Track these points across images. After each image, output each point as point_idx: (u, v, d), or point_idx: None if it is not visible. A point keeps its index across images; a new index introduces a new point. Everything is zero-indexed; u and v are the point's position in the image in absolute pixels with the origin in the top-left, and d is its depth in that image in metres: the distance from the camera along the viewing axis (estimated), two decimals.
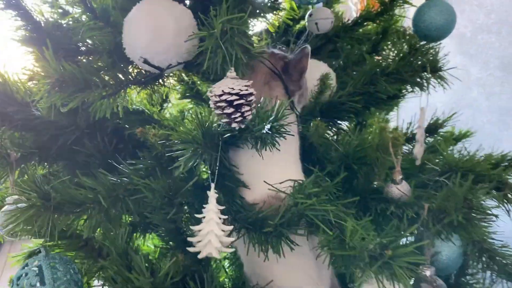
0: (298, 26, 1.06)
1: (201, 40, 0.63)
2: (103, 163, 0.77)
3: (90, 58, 0.73)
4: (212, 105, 0.59)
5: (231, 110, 0.58)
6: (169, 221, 0.67)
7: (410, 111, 1.01)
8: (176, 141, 0.59)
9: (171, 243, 0.74)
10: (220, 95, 0.58)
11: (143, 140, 0.81)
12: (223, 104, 0.58)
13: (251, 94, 0.59)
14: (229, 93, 0.58)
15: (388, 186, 0.76)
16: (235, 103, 0.58)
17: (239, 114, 0.58)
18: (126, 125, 0.81)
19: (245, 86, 0.59)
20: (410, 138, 1.07)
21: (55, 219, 0.59)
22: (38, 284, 0.59)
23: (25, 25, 0.77)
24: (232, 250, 0.64)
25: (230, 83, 0.59)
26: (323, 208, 0.58)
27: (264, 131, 0.59)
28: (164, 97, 1.07)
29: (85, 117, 0.78)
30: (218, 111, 0.59)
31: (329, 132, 0.97)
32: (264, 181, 0.68)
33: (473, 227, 0.73)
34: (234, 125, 0.59)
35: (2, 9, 0.76)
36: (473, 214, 0.61)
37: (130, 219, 0.77)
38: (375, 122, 1.09)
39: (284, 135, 0.62)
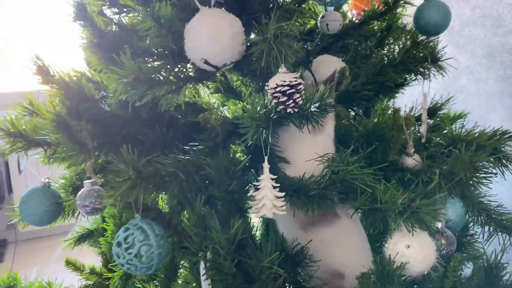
0: (308, 26, 1.21)
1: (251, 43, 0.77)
2: (162, 150, 0.91)
3: (155, 60, 0.87)
4: (269, 96, 0.74)
5: (285, 98, 0.73)
6: (229, 193, 0.81)
7: (408, 98, 1.17)
8: (244, 120, 0.73)
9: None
10: (275, 88, 0.73)
11: (192, 129, 0.96)
12: (278, 94, 0.73)
13: (299, 84, 0.73)
14: (282, 85, 0.73)
15: (403, 158, 0.92)
16: (288, 92, 0.73)
17: (291, 101, 0.73)
18: (179, 116, 0.95)
19: (294, 78, 0.74)
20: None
21: (144, 191, 0.73)
22: (144, 239, 0.74)
23: (92, 33, 0.91)
24: (284, 212, 0.79)
25: (282, 77, 0.74)
26: (361, 172, 0.73)
27: (312, 110, 0.74)
28: (196, 93, 1.21)
29: (146, 111, 0.91)
30: (275, 100, 0.73)
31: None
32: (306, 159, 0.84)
33: (476, 188, 0.90)
34: (289, 110, 0.73)
35: (73, 20, 0.90)
36: (477, 174, 0.76)
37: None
38: (379, 108, 1.25)
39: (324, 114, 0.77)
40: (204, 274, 0.77)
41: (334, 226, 0.88)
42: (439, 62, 1.09)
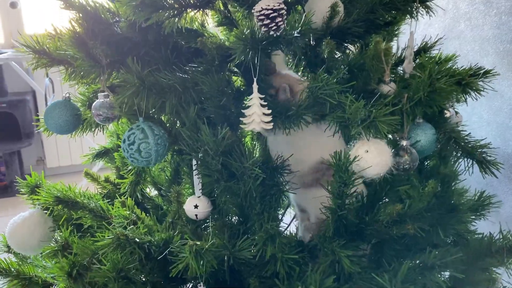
0: None
1: None
2: (165, 69, 1.04)
3: None
4: (255, 19, 0.85)
5: (268, 21, 0.84)
6: (221, 107, 0.94)
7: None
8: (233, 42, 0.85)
9: None
10: (260, 11, 0.84)
11: (194, 54, 1.07)
12: (262, 17, 0.84)
13: (282, 9, 0.84)
14: (266, 9, 0.84)
15: (380, 85, 1.02)
16: (271, 15, 0.84)
17: (274, 24, 0.84)
18: (182, 42, 1.07)
19: (278, 3, 0.84)
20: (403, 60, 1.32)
21: (146, 98, 0.86)
22: (143, 138, 0.88)
23: None
24: (270, 126, 0.92)
25: (267, 2, 0.84)
26: (332, 88, 0.84)
27: (295, 35, 0.85)
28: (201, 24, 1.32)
29: (153, 34, 1.03)
30: (259, 23, 0.84)
31: (337, 52, 1.22)
32: None
33: (442, 119, 1.00)
34: (271, 32, 0.84)
35: None
36: (436, 95, 0.87)
37: None
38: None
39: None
40: (195, 170, 0.91)
41: None
42: (427, 3, 1.16)
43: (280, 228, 0.89)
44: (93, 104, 1.03)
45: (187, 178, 1.11)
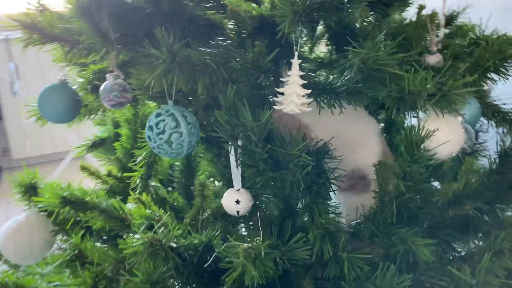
0: None
1: None
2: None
3: None
4: None
5: None
6: (258, 87, 0.81)
7: None
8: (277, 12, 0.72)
9: None
10: None
11: (211, 30, 0.94)
12: None
13: None
14: None
15: (425, 56, 0.92)
16: None
17: None
18: (199, 13, 0.93)
19: None
20: None
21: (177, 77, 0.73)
22: (175, 127, 0.74)
23: None
24: (310, 109, 0.80)
25: None
26: (392, 58, 0.73)
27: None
28: None
29: (167, 3, 0.89)
30: None
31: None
32: None
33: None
34: None
35: None
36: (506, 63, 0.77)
37: None
38: None
39: None
40: (236, 161, 0.78)
41: None
42: None
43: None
44: (102, 87, 0.88)
45: (207, 167, 0.99)
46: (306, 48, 1.15)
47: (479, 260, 0.75)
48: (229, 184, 0.89)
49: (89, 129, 1.33)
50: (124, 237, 0.89)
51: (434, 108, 0.72)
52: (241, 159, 0.77)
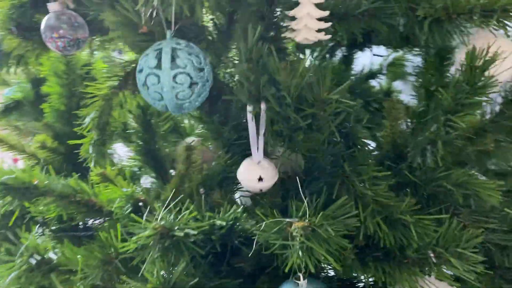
0: None
1: None
2: None
3: None
4: None
5: None
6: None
7: None
8: None
9: None
10: None
11: None
12: None
13: None
14: None
15: None
16: None
17: None
18: None
19: None
20: None
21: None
22: (155, 66, 0.52)
23: None
24: (329, 37, 0.63)
25: None
26: None
27: None
28: None
29: None
30: None
31: None
32: None
33: None
34: None
35: None
36: None
37: None
38: None
39: None
40: (264, 134, 0.59)
41: None
42: None
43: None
44: (43, 23, 0.61)
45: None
46: None
47: None
48: (230, 147, 0.71)
49: None
50: (100, 227, 0.66)
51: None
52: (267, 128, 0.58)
